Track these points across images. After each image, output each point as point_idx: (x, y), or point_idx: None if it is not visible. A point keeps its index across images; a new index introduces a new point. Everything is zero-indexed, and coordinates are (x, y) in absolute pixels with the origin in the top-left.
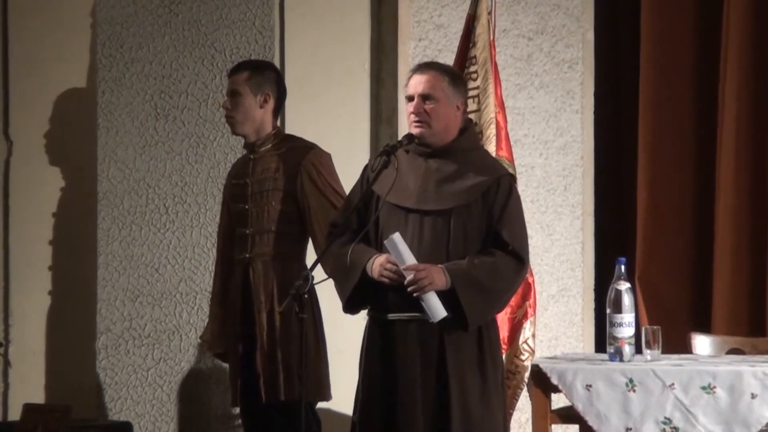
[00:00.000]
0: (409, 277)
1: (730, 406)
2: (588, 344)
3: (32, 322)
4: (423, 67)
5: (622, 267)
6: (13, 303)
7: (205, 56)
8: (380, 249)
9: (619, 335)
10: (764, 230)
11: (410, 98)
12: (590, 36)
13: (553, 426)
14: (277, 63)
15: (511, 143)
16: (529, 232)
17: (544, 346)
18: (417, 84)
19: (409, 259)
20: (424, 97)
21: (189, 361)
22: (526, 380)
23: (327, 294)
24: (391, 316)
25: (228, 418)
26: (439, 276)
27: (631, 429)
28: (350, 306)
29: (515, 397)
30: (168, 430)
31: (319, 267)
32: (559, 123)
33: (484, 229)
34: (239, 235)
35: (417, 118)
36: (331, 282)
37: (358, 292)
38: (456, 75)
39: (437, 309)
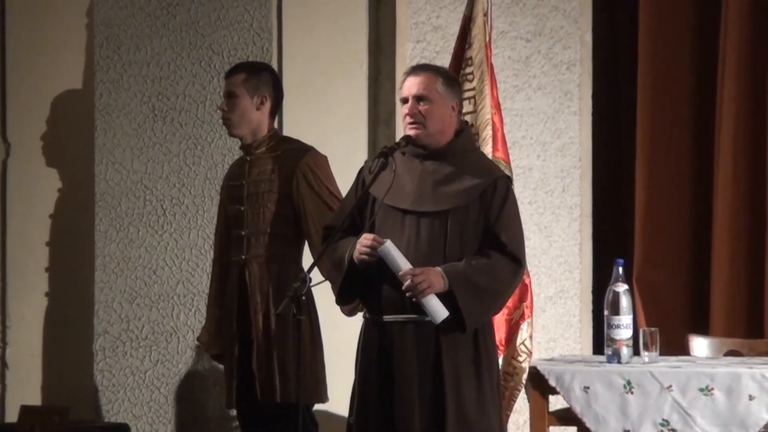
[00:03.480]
0: (407, 282)
1: (728, 408)
2: (586, 346)
3: (29, 324)
4: (416, 69)
5: (620, 268)
6: (10, 305)
7: (203, 58)
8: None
9: (617, 337)
10: (762, 232)
11: (405, 100)
12: (588, 38)
13: (551, 428)
14: (274, 64)
15: (509, 145)
16: (527, 233)
17: (541, 347)
18: (411, 86)
19: (405, 264)
20: (419, 99)
21: (186, 363)
22: (523, 382)
23: (324, 296)
24: (387, 317)
25: (225, 420)
26: (436, 278)
27: (629, 431)
28: (343, 298)
29: (513, 399)
30: None
31: (315, 269)
32: (557, 124)
33: (481, 231)
34: (235, 236)
35: (412, 120)
36: (327, 284)
37: (350, 282)
38: (450, 76)
39: (438, 311)
